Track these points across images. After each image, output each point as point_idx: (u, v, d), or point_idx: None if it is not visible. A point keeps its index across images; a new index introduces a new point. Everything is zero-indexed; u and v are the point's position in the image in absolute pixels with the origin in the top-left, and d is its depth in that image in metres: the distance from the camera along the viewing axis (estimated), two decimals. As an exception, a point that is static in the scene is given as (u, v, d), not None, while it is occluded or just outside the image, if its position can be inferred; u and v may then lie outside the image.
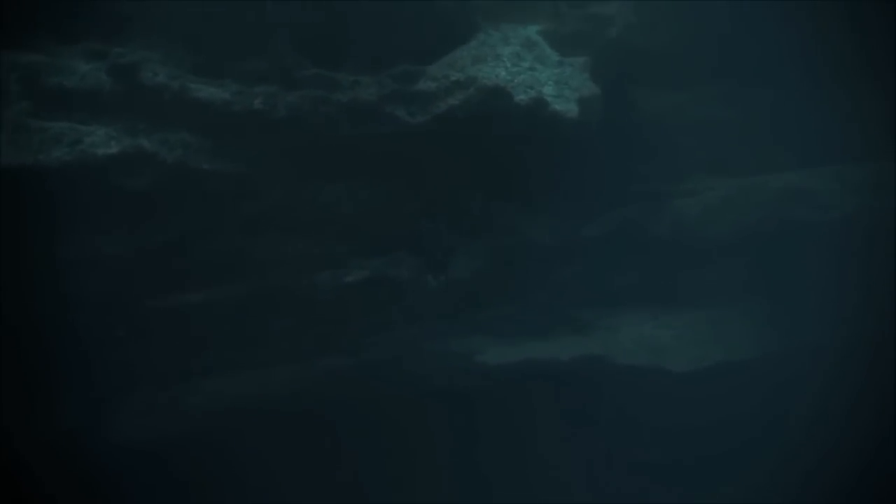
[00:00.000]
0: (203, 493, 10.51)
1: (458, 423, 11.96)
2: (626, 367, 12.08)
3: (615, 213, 12.43)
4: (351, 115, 10.24)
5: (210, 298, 10.64)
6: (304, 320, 11.27)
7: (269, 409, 11.22)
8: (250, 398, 11.23)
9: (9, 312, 8.88)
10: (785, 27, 11.49)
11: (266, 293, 11.01)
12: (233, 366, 11.21)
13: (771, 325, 12.30)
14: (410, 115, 10.29)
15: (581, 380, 12.05)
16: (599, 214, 12.37)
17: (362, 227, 11.20)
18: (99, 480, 9.93)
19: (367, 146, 10.63)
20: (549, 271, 12.33)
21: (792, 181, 12.60)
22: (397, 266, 11.50)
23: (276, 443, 11.20)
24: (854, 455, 11.34)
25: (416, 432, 11.69)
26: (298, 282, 11.12)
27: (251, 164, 10.17)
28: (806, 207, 12.44)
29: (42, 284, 9.15)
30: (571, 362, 12.05)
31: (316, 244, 11.20)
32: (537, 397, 12.14)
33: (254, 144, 10.16)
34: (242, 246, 10.70)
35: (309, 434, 11.30)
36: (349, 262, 11.28)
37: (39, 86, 8.91)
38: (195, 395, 11.03)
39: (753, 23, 11.55)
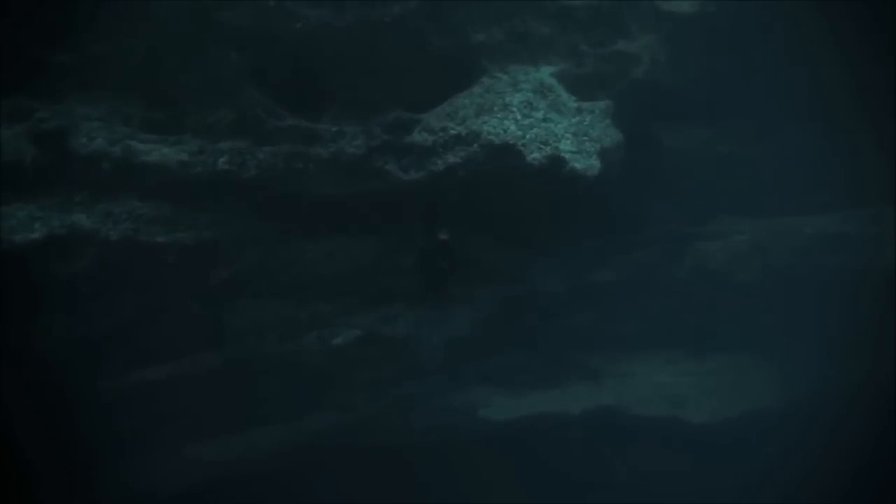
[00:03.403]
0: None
1: (456, 484, 10.16)
2: (642, 419, 10.39)
3: (632, 256, 10.45)
4: (333, 172, 7.92)
5: (177, 372, 8.80)
6: (291, 383, 9.43)
7: (253, 471, 9.69)
8: (233, 461, 9.65)
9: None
10: (819, 62, 9.40)
11: (245, 361, 9.00)
12: (213, 431, 9.44)
13: (798, 372, 10.45)
14: (403, 171, 7.99)
15: (593, 434, 10.33)
16: (615, 258, 10.41)
17: (351, 284, 9.11)
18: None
19: (354, 201, 8.35)
20: (559, 317, 10.39)
21: (826, 225, 10.58)
22: (392, 323, 9.52)
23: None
24: None
25: (414, 493, 9.95)
26: (282, 347, 9.12)
27: (219, 229, 7.92)
28: (843, 254, 10.47)
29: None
30: (583, 415, 10.35)
31: (299, 306, 9.13)
32: (545, 453, 10.40)
33: (221, 207, 7.86)
34: (214, 316, 8.56)
35: (294, 494, 9.70)
36: (338, 322, 9.30)
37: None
38: (173, 462, 9.38)
39: (786, 57, 9.39)
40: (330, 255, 8.76)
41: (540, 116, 7.61)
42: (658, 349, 10.88)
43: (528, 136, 7.41)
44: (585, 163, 7.51)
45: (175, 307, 8.02)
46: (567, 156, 7.44)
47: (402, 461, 9.90)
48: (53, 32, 6.73)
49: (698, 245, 10.44)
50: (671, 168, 9.92)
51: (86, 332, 7.18)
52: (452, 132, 7.54)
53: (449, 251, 8.14)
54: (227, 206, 7.78)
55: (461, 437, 10.14)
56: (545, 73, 7.97)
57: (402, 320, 9.42)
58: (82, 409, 7.95)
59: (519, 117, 7.55)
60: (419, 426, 10.09)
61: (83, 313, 7.17)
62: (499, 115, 7.53)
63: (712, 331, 10.50)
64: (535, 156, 7.37)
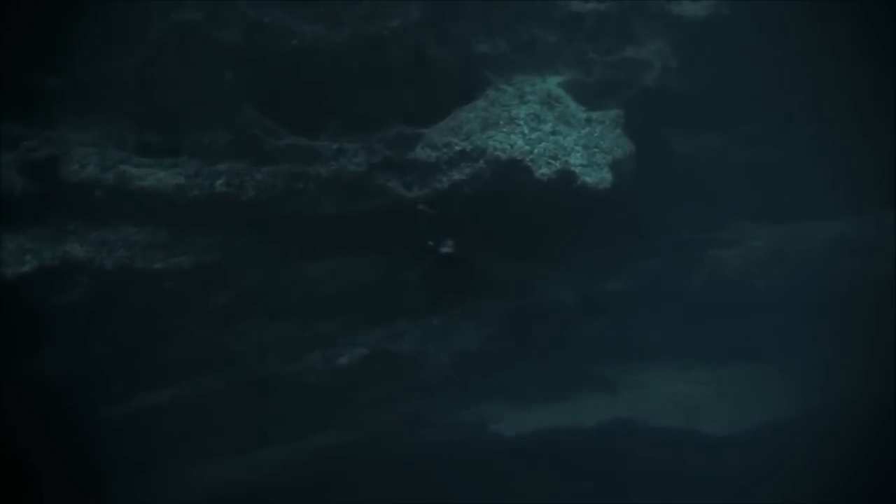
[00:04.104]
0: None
1: (468, 500, 9.72)
2: (658, 430, 10.12)
3: (644, 264, 10.18)
4: (334, 191, 7.68)
5: (180, 396, 8.61)
6: (297, 403, 9.18)
7: (259, 490, 9.39)
8: (239, 480, 9.43)
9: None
10: (835, 64, 9.11)
11: (249, 383, 8.80)
12: (218, 452, 9.22)
13: (818, 381, 10.15)
14: (406, 188, 7.73)
15: (608, 446, 10.02)
16: (626, 267, 10.15)
17: (355, 302, 8.85)
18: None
19: (357, 219, 8.09)
20: (570, 329, 10.06)
21: (845, 230, 10.31)
22: (398, 340, 9.26)
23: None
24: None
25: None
26: (285, 368, 8.87)
27: (218, 253, 7.70)
28: (863, 259, 10.20)
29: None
30: (597, 428, 10.07)
31: (303, 326, 8.87)
32: (558, 467, 10.05)
33: (220, 230, 7.64)
34: (215, 339, 8.33)
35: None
36: (342, 340, 9.07)
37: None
38: (179, 483, 9.12)
39: (801, 59, 9.09)
40: (333, 274, 8.54)
41: (548, 129, 7.34)
42: (673, 359, 10.62)
43: (536, 151, 7.14)
44: (597, 176, 7.25)
45: (175, 332, 7.79)
46: (577, 170, 7.19)
47: (410, 478, 9.63)
48: (44, 57, 6.50)
49: (713, 252, 10.16)
50: (683, 175, 9.63)
51: (85, 361, 6.98)
52: (457, 148, 7.29)
53: (455, 265, 7.88)
54: (226, 229, 7.52)
55: (471, 453, 9.86)
56: (552, 83, 7.69)
57: (408, 337, 9.18)
58: (87, 437, 7.80)
59: (526, 131, 7.28)
60: (428, 442, 9.84)
61: (81, 343, 6.96)
62: (505, 130, 7.26)
63: (728, 339, 10.28)
64: (543, 171, 7.11)
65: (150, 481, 8.72)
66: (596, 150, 7.33)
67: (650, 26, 7.96)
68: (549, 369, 10.32)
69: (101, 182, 6.45)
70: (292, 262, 8.30)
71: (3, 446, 7.16)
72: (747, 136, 9.89)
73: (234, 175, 7.11)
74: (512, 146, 7.09)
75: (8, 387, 6.77)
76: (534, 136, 7.18)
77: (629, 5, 7.81)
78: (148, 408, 8.27)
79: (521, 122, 7.23)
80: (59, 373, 6.91)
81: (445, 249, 7.35)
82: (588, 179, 7.09)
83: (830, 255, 9.98)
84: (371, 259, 8.64)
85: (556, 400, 10.26)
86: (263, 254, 8.02)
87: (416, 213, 7.52)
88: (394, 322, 9.14)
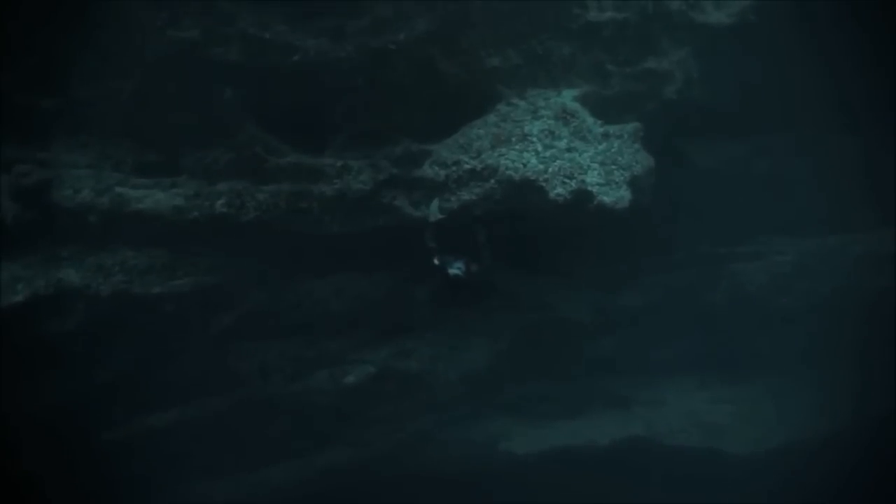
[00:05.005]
0: None
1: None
2: (676, 449, 9.81)
3: (662, 279, 9.89)
4: (339, 210, 7.43)
5: (184, 417, 8.53)
6: (304, 421, 9.12)
7: None
8: (244, 500, 9.35)
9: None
10: (863, 72, 8.74)
11: (253, 403, 8.73)
12: (223, 472, 9.17)
13: (845, 399, 9.79)
14: (414, 207, 7.47)
15: (623, 465, 9.72)
16: (643, 282, 9.85)
17: (362, 320, 8.70)
18: None
19: (362, 237, 7.84)
20: (583, 344, 9.86)
21: (874, 244, 9.92)
22: (406, 358, 9.09)
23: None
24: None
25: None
26: (291, 387, 8.75)
27: (219, 274, 7.51)
28: (890, 275, 9.71)
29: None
30: (612, 446, 9.81)
31: (308, 345, 8.73)
32: (572, 488, 9.79)
33: (221, 251, 7.44)
34: (219, 360, 8.21)
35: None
36: (349, 359, 8.93)
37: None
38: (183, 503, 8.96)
39: (825, 68, 8.74)
40: (338, 293, 8.39)
41: (563, 146, 7.03)
42: (690, 375, 10.32)
43: (550, 170, 6.85)
44: (615, 195, 6.96)
45: (179, 354, 7.65)
46: (594, 189, 6.89)
47: (419, 497, 9.56)
48: (38, 77, 6.30)
49: (734, 266, 9.87)
50: (704, 187, 9.27)
51: (87, 386, 6.81)
52: (466, 166, 7.02)
53: (464, 285, 7.64)
54: (228, 250, 7.32)
55: (482, 471, 9.73)
56: (567, 96, 7.37)
57: (416, 354, 9.03)
58: (93, 460, 7.76)
59: (540, 148, 6.98)
60: (437, 460, 9.71)
61: (81, 369, 6.81)
62: (517, 147, 6.96)
63: (749, 356, 9.99)
64: (559, 191, 6.82)
65: (157, 501, 8.61)
66: (614, 166, 7.03)
67: (672, 35, 7.63)
68: (562, 386, 10.08)
69: (95, 207, 6.25)
70: (297, 280, 8.14)
71: (9, 471, 6.98)
72: (771, 147, 9.58)
73: (234, 195, 6.93)
74: (525, 165, 6.80)
75: (10, 414, 6.59)
76: (548, 153, 6.89)
77: (649, 14, 7.45)
78: (153, 429, 8.19)
79: (535, 139, 6.94)
80: (61, 399, 6.73)
81: (454, 271, 7.06)
82: (605, 199, 6.80)
83: (857, 270, 9.68)
84: (378, 276, 8.45)
85: (569, 417, 10.03)
86: (266, 274, 7.83)
87: (425, 230, 7.24)
88: (402, 340, 8.97)
